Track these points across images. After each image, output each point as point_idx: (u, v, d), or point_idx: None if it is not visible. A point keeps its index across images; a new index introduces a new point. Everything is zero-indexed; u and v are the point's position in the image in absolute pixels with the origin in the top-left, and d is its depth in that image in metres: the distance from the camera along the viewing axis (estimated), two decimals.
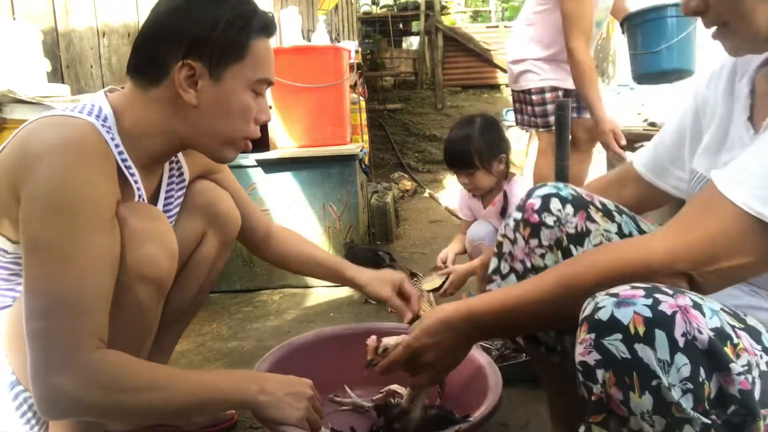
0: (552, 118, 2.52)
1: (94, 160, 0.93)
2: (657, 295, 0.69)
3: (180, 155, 1.24)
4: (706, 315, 0.68)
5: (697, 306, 0.68)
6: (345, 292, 2.55)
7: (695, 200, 0.79)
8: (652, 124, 3.74)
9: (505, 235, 1.05)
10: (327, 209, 2.64)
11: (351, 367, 1.27)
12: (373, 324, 1.50)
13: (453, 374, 1.01)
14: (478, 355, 1.31)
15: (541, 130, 2.67)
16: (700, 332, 0.66)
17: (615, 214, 1.01)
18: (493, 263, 1.04)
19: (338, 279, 1.43)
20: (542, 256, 0.99)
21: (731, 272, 0.75)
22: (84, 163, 0.91)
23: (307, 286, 2.63)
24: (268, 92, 2.73)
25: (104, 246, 0.93)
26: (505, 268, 1.03)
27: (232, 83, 1.03)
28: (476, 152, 2.08)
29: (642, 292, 0.69)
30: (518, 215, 1.02)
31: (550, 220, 0.99)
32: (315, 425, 1.06)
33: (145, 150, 1.07)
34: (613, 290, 0.72)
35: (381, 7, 8.68)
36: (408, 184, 5.35)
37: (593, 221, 0.99)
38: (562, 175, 1.91)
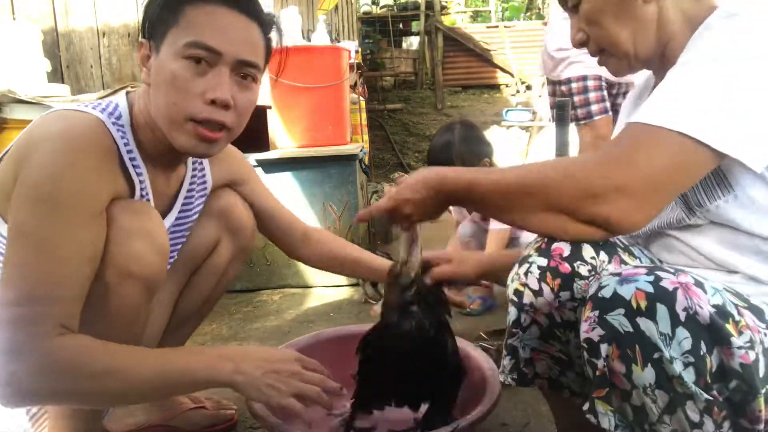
0: (595, 107, 2.51)
1: (88, 154, 0.93)
2: (659, 273, 0.71)
3: (206, 162, 1.23)
4: (708, 292, 0.69)
5: (698, 284, 0.70)
6: (345, 292, 2.55)
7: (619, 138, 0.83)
8: None
9: (526, 284, 0.91)
10: (327, 209, 2.64)
11: (350, 370, 1.27)
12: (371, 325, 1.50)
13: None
14: (478, 355, 1.31)
15: (582, 123, 2.62)
16: (701, 307, 0.68)
17: (633, 251, 0.94)
18: (513, 314, 0.94)
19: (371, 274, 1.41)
20: (574, 309, 0.88)
21: (652, 180, 0.78)
22: (77, 156, 0.92)
23: (307, 286, 2.63)
24: (267, 90, 2.73)
25: (84, 240, 0.92)
26: (526, 320, 0.92)
27: (165, 52, 0.96)
28: (458, 159, 2.08)
29: (644, 270, 0.71)
30: (541, 261, 0.89)
31: (584, 270, 0.87)
32: (310, 396, 0.98)
33: (149, 145, 1.06)
34: (617, 270, 0.74)
35: (381, 7, 8.69)
36: None
37: (625, 263, 0.90)
38: None
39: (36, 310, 0.87)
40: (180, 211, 1.18)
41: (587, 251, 0.88)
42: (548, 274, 0.88)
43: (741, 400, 0.68)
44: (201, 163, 1.23)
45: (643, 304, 0.69)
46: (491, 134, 5.87)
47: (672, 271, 0.71)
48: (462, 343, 1.37)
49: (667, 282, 0.69)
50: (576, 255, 0.87)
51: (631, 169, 0.77)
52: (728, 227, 0.85)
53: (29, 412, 1.02)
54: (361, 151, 2.79)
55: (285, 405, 0.96)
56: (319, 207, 2.62)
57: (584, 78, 2.56)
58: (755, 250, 0.84)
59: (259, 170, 2.58)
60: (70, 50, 2.49)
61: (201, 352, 1.00)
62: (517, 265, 0.92)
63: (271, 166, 2.58)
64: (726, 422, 0.69)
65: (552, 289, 0.88)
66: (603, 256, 0.88)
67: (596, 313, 0.72)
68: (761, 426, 0.68)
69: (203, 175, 1.24)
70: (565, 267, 0.88)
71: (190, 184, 1.20)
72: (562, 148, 1.92)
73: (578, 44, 0.96)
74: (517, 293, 0.92)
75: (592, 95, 2.56)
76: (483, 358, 1.29)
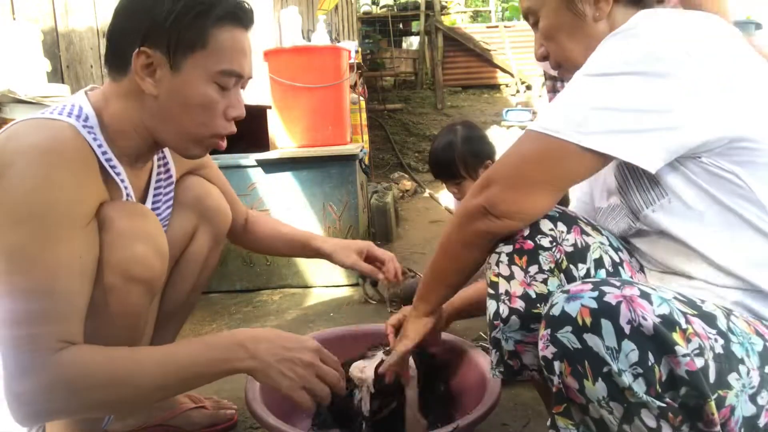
0: None
1: (68, 164, 0.91)
2: (603, 288, 0.73)
3: (167, 152, 1.23)
4: (653, 303, 0.71)
5: (644, 295, 0.72)
6: (345, 292, 2.55)
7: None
8: None
9: (499, 274, 0.97)
10: (327, 209, 2.64)
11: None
12: (372, 326, 1.50)
13: (454, 374, 1.02)
14: (477, 355, 1.31)
15: None
16: (645, 319, 0.69)
17: (600, 229, 0.99)
18: (492, 306, 0.97)
19: (306, 251, 1.43)
20: (545, 281, 0.93)
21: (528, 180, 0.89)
22: (57, 168, 0.89)
23: (307, 286, 2.63)
24: (267, 91, 2.73)
25: (74, 252, 0.90)
26: (504, 310, 0.96)
27: (191, 73, 0.98)
28: (461, 162, 2.07)
29: (590, 286, 0.74)
30: (507, 248, 0.96)
31: (545, 241, 0.94)
32: (318, 394, 0.98)
33: (126, 146, 1.04)
34: (566, 287, 0.77)
35: (381, 7, 8.68)
36: (408, 184, 5.35)
37: (588, 234, 0.96)
38: None
39: (33, 329, 0.86)
40: (153, 202, 1.18)
41: (545, 224, 0.95)
42: (515, 256, 0.95)
43: (694, 405, 0.69)
44: (163, 151, 1.22)
45: (588, 320, 0.71)
46: (491, 134, 5.86)
47: (618, 284, 0.73)
48: (462, 343, 1.37)
49: (611, 297, 0.72)
50: (535, 230, 0.95)
51: (500, 163, 0.91)
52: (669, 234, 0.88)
53: None
54: (361, 151, 2.79)
55: (295, 397, 0.96)
56: (319, 207, 2.62)
57: None
58: (702, 257, 0.85)
59: (259, 170, 2.58)
60: (70, 50, 2.50)
61: (213, 343, 0.96)
62: (489, 259, 1.00)
63: (271, 166, 2.58)
64: (684, 425, 0.70)
65: (521, 267, 0.95)
66: (561, 226, 0.95)
67: (548, 331, 0.76)
68: (717, 428, 0.69)
69: (166, 163, 1.23)
70: (528, 244, 0.94)
71: (157, 175, 1.20)
72: None
73: (541, 58, 1.01)
74: (492, 285, 0.98)
75: None
76: (483, 358, 1.29)
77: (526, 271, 0.95)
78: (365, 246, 1.41)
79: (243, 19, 1.01)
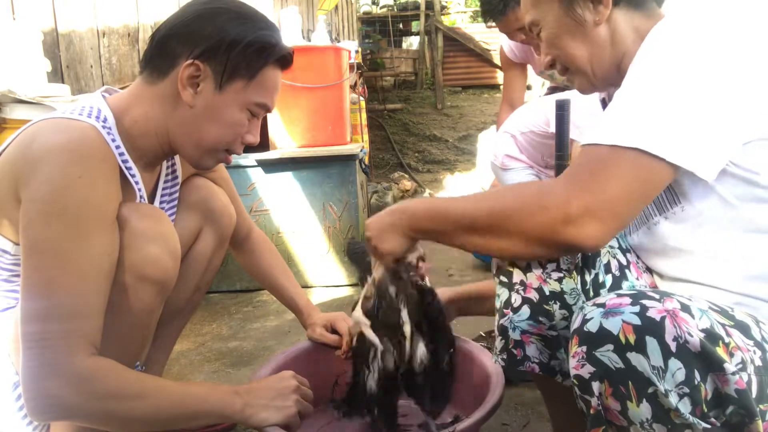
0: None
1: (96, 163, 0.94)
2: (644, 301, 0.69)
3: (176, 156, 1.24)
4: (695, 317, 0.67)
5: (685, 308, 0.68)
6: (344, 292, 2.55)
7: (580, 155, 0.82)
8: None
9: (515, 265, 0.97)
10: (327, 209, 2.63)
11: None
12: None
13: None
14: (481, 354, 1.31)
15: None
16: (691, 335, 0.66)
17: None
18: (503, 294, 0.97)
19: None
20: (559, 280, 0.93)
21: (613, 202, 0.76)
22: (86, 166, 0.92)
23: (307, 286, 2.63)
24: None
25: (104, 250, 0.93)
26: (516, 300, 0.95)
27: (232, 97, 1.05)
28: None
29: (628, 300, 0.70)
30: None
31: None
32: (306, 411, 1.09)
33: (143, 149, 1.07)
34: (599, 300, 0.72)
35: (381, 7, 8.68)
36: (408, 184, 5.35)
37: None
38: None
39: (66, 326, 0.87)
40: (160, 202, 1.20)
41: None
42: None
43: (738, 422, 0.67)
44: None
45: (631, 338, 0.67)
46: (491, 134, 5.86)
47: (657, 297, 0.69)
48: (464, 343, 1.37)
49: (654, 311, 0.67)
50: None
51: (596, 193, 0.76)
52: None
53: (32, 422, 1.01)
54: (361, 151, 2.79)
55: (292, 422, 1.05)
56: (319, 207, 2.62)
57: None
58: (710, 264, 0.83)
59: (259, 170, 2.58)
60: (70, 50, 2.49)
61: (213, 387, 1.05)
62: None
63: (271, 166, 2.58)
64: None
65: (539, 263, 0.94)
66: None
67: (584, 348, 0.71)
68: None
69: (173, 164, 1.25)
70: None
71: (166, 176, 1.22)
72: (562, 148, 1.92)
73: (547, 66, 1.01)
74: (506, 274, 0.98)
75: None
76: (486, 357, 1.29)
77: (543, 268, 0.95)
78: (333, 319, 1.42)
79: (288, 63, 1.11)
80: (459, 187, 5.25)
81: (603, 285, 0.97)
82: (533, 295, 0.95)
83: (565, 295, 0.94)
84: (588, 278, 0.93)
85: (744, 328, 0.70)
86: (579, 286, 0.94)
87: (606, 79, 0.96)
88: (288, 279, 1.47)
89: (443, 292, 1.21)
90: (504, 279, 0.98)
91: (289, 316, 2.29)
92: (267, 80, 1.07)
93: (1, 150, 0.99)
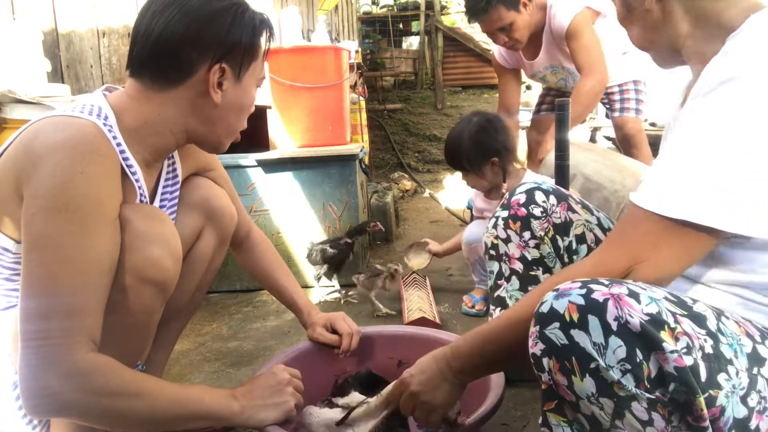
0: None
1: (98, 160, 0.93)
2: (591, 286, 0.73)
3: (175, 154, 1.24)
4: (642, 302, 0.71)
5: (633, 294, 0.71)
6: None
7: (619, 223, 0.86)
8: (653, 124, 3.73)
9: (497, 236, 1.09)
10: (327, 209, 2.63)
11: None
12: (370, 327, 1.50)
13: None
14: None
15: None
16: (632, 317, 0.69)
17: (593, 210, 1.09)
18: (494, 267, 1.06)
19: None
20: (537, 246, 1.07)
21: (659, 270, 0.80)
22: (89, 163, 0.91)
23: (307, 286, 2.63)
24: (267, 91, 2.74)
25: (105, 248, 0.93)
26: (506, 270, 1.06)
27: (249, 81, 1.11)
28: (465, 156, 2.07)
29: (578, 284, 0.74)
30: (504, 213, 1.09)
31: (537, 211, 1.08)
32: (299, 403, 1.13)
33: (149, 148, 1.07)
34: (557, 286, 0.77)
35: (381, 7, 8.69)
36: (408, 184, 5.35)
37: (574, 211, 1.09)
38: (562, 175, 1.91)
39: (65, 323, 0.87)
40: (161, 201, 1.20)
41: (539, 196, 1.09)
42: (510, 221, 1.09)
43: (684, 401, 0.69)
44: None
45: (575, 316, 0.72)
46: None
47: (607, 283, 0.73)
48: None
49: (598, 294, 0.72)
50: (530, 200, 1.08)
51: (647, 266, 0.80)
52: None
53: (31, 421, 1.01)
54: (361, 151, 2.79)
55: (290, 416, 1.08)
56: (319, 207, 2.62)
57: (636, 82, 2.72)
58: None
59: (259, 170, 2.58)
60: (70, 50, 2.49)
61: (209, 390, 1.06)
62: (487, 222, 1.12)
63: (271, 166, 2.58)
64: (674, 416, 0.71)
65: (515, 232, 1.09)
66: (553, 200, 1.09)
67: (537, 328, 0.76)
68: (706, 423, 0.69)
69: (173, 163, 1.25)
70: (522, 211, 1.09)
71: (167, 173, 1.21)
72: (562, 148, 1.92)
73: (638, 46, 1.00)
74: (493, 246, 1.13)
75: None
76: None
77: (520, 236, 1.10)
78: (332, 319, 1.42)
79: (273, 31, 1.15)
80: (459, 187, 5.24)
81: (576, 252, 1.09)
82: (518, 266, 1.10)
83: (545, 260, 1.08)
84: (561, 244, 1.06)
85: (698, 319, 0.73)
86: (553, 251, 1.08)
87: (671, 57, 0.96)
88: (288, 279, 1.47)
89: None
90: (492, 252, 1.10)
91: (289, 316, 2.29)
92: (261, 54, 1.13)
93: (2, 149, 0.98)
